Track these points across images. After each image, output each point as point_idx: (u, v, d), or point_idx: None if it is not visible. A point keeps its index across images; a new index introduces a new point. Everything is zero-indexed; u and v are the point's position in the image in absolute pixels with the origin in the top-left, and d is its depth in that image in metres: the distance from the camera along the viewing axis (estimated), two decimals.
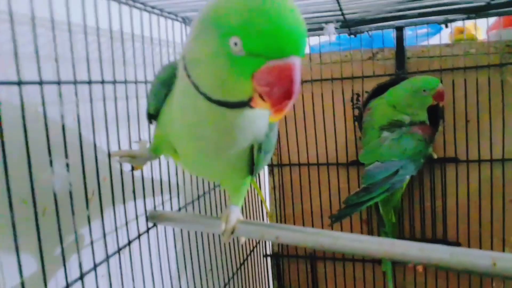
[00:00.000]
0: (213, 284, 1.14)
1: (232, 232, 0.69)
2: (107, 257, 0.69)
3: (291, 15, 0.41)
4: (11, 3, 0.52)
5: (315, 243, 0.62)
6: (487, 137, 1.17)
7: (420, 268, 1.15)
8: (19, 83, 0.53)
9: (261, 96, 0.44)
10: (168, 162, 0.90)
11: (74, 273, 0.63)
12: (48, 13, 0.58)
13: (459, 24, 1.28)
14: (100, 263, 0.68)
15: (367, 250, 0.57)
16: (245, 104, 0.47)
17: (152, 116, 0.70)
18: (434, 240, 1.26)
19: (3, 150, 0.51)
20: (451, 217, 1.24)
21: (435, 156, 1.22)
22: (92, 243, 0.65)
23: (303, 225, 1.38)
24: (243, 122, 0.54)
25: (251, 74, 0.43)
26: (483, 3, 0.97)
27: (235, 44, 0.42)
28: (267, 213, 1.38)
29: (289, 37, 0.41)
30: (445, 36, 1.43)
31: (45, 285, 0.57)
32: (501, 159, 1.17)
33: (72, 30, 0.62)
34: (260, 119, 0.58)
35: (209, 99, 0.49)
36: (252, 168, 0.67)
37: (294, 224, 1.40)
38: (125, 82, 0.74)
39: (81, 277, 0.63)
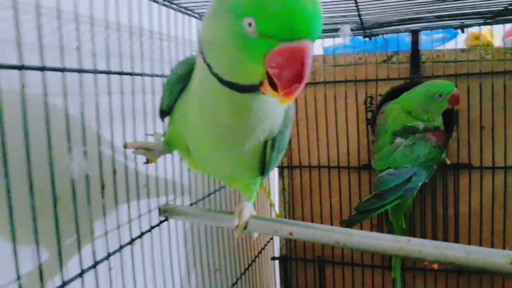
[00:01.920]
0: (221, 284, 1.13)
1: (245, 228, 0.69)
2: (121, 247, 0.69)
3: None
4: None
5: (329, 240, 0.62)
6: (502, 144, 1.16)
7: (436, 266, 1.14)
8: (43, 68, 0.54)
9: (271, 82, 0.44)
10: (181, 159, 0.90)
11: (87, 262, 0.63)
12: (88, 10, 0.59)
13: (475, 30, 1.28)
14: (114, 252, 0.68)
15: (382, 247, 0.57)
16: (255, 88, 0.46)
17: (164, 114, 0.70)
18: None
19: (26, 136, 0.51)
20: (463, 224, 1.23)
21: (449, 162, 1.21)
22: (106, 232, 0.66)
23: None
24: (258, 111, 0.54)
25: (263, 56, 0.43)
26: (500, 8, 0.97)
27: (249, 24, 0.42)
28: (276, 215, 1.37)
29: (302, 20, 0.41)
30: (460, 42, 1.43)
31: (61, 270, 0.57)
32: None
33: (99, 24, 0.63)
34: (275, 112, 0.58)
35: (221, 80, 0.49)
36: (263, 168, 0.67)
37: None
38: (142, 74, 0.75)
39: (95, 265, 0.63)
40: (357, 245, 0.59)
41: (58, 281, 0.58)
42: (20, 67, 0.51)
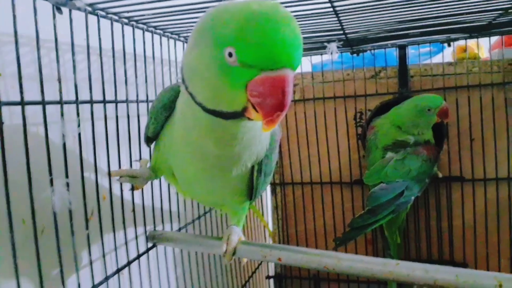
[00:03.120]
0: None
1: (234, 253, 0.68)
2: (106, 278, 0.68)
3: (286, 28, 0.41)
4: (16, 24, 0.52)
5: (318, 265, 0.61)
6: (492, 156, 1.15)
7: None
8: (22, 103, 0.53)
9: (254, 107, 0.44)
10: (168, 183, 0.89)
11: None
12: (52, 34, 0.58)
13: (461, 43, 1.29)
14: (100, 283, 0.66)
15: (371, 271, 0.56)
16: (239, 114, 0.46)
17: (150, 139, 0.70)
18: (440, 261, 1.24)
19: (5, 169, 0.51)
20: (457, 237, 1.22)
21: (440, 175, 1.21)
22: (91, 262, 0.64)
23: (307, 245, 1.36)
24: (243, 137, 0.54)
25: (245, 84, 0.43)
26: (485, 23, 0.98)
27: (230, 54, 0.42)
28: (269, 234, 1.36)
29: (283, 50, 0.41)
30: (447, 55, 1.43)
31: None
32: (507, 178, 1.15)
33: (80, 51, 0.63)
34: (261, 137, 0.57)
35: (205, 109, 0.49)
36: (251, 193, 0.67)
37: (297, 244, 1.38)
38: (127, 101, 0.74)
39: None
40: (346, 269, 0.58)
41: None
42: None
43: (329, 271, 0.60)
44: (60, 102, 0.59)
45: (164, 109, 0.63)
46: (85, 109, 0.65)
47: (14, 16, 0.52)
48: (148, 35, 0.81)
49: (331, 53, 1.07)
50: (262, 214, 1.45)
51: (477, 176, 1.19)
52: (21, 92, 0.53)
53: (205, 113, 0.49)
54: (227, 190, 0.66)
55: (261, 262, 1.49)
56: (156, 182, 0.85)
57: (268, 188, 1.42)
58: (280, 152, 1.35)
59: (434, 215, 1.24)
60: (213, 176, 0.61)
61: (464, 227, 1.20)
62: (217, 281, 1.15)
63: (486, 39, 1.17)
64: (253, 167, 0.62)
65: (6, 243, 0.52)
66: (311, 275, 1.38)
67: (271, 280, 1.48)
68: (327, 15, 0.77)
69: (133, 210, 0.76)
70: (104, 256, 0.68)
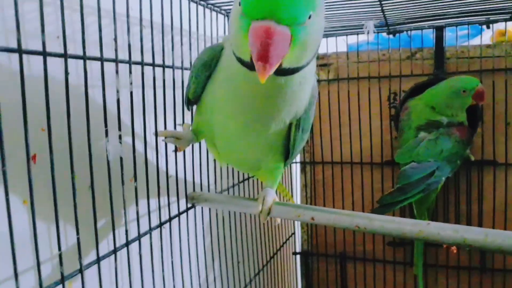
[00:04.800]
0: (243, 275, 1.16)
1: (269, 213, 0.72)
2: (150, 229, 0.73)
3: None
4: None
5: (350, 224, 0.64)
6: None
7: (454, 249, 1.14)
8: (84, 58, 0.58)
9: None
10: (207, 150, 0.93)
11: (121, 240, 0.67)
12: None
13: (501, 26, 1.27)
14: (144, 234, 0.72)
15: (402, 230, 0.59)
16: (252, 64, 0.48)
17: (191, 103, 0.73)
18: None
19: (68, 120, 0.56)
20: (487, 221, 1.22)
21: (473, 158, 1.20)
22: (137, 213, 0.70)
23: None
24: (284, 93, 0.56)
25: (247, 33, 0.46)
26: None
27: (239, 4, 0.47)
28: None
29: (264, 1, 0.44)
30: (486, 39, 1.41)
31: (97, 248, 0.62)
32: None
33: (134, 22, 0.68)
34: (301, 94, 0.60)
35: (239, 60, 0.53)
36: (287, 151, 0.70)
37: None
38: (173, 67, 0.79)
39: (127, 244, 0.67)
40: (378, 228, 0.61)
41: (93, 256, 0.63)
42: (65, 55, 0.55)
43: (361, 230, 0.63)
44: (116, 60, 0.64)
45: (205, 67, 0.65)
46: (135, 76, 0.70)
47: None
48: (193, 6, 0.85)
49: (368, 32, 1.08)
50: (292, 195, 1.48)
51: (511, 160, 1.18)
52: (84, 48, 0.58)
53: (240, 64, 0.53)
54: (265, 147, 0.68)
55: (289, 238, 1.53)
56: (197, 149, 0.90)
57: (298, 167, 1.45)
58: (312, 130, 1.38)
59: (464, 198, 1.25)
60: (253, 132, 0.64)
61: (494, 212, 1.20)
62: (248, 251, 1.20)
63: None
64: (291, 124, 0.65)
65: (65, 191, 0.57)
66: (337, 253, 1.40)
67: (298, 257, 1.52)
68: None
69: (176, 172, 0.81)
70: (149, 211, 0.73)
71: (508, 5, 1.01)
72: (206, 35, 0.93)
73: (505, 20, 1.13)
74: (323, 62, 1.34)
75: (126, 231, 0.67)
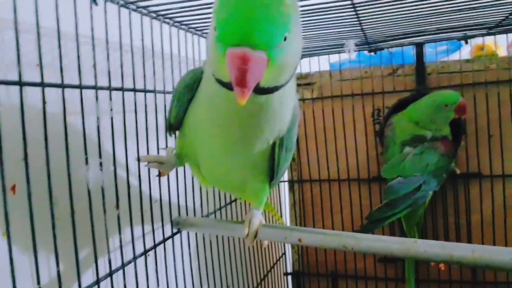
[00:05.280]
0: None
1: (255, 236, 0.71)
2: (134, 258, 0.71)
3: (252, 5, 0.43)
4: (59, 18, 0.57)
5: (338, 244, 0.63)
6: (511, 152, 1.16)
7: (442, 267, 1.13)
8: (62, 86, 0.58)
9: None
10: (192, 175, 0.92)
11: (103, 271, 0.65)
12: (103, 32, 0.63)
13: (479, 41, 1.30)
14: (128, 263, 0.70)
15: (390, 249, 0.58)
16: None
17: (172, 128, 0.73)
18: None
19: (46, 147, 0.55)
20: (476, 234, 1.22)
21: (458, 171, 1.21)
22: (121, 241, 0.68)
23: None
24: (265, 112, 0.56)
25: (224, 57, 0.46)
26: (501, 18, 0.99)
27: (215, 29, 0.46)
28: None
29: (239, 27, 0.44)
30: (465, 54, 1.45)
31: (78, 279, 0.60)
32: None
33: (114, 48, 0.68)
34: (283, 112, 0.59)
35: (218, 81, 0.52)
36: (273, 171, 0.69)
37: None
38: (155, 91, 0.78)
39: (110, 274, 0.65)
40: (365, 248, 0.60)
41: None
42: (41, 84, 0.55)
43: (348, 250, 0.62)
44: (95, 87, 0.63)
45: (187, 90, 0.65)
46: (116, 101, 0.69)
47: (57, 9, 0.57)
48: (174, 30, 0.85)
49: (349, 51, 1.10)
50: (281, 215, 1.47)
51: (496, 172, 1.19)
52: (62, 76, 0.57)
53: (220, 85, 0.53)
54: (250, 168, 0.68)
55: (279, 258, 1.51)
56: (181, 175, 0.89)
57: (286, 185, 1.45)
58: (298, 149, 1.38)
59: (452, 211, 1.25)
60: (237, 153, 0.63)
61: (482, 224, 1.21)
62: (237, 274, 1.18)
63: (504, 38, 1.18)
64: (274, 143, 0.64)
65: (45, 221, 0.56)
66: (329, 272, 1.39)
67: (289, 277, 1.50)
68: (345, 8, 0.80)
69: (160, 198, 0.80)
70: (133, 238, 0.72)
71: (485, 21, 1.03)
72: (188, 58, 0.94)
73: (483, 35, 1.16)
74: (307, 81, 1.35)
75: (109, 260, 0.65)
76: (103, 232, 0.65)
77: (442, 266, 1.15)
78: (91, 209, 0.62)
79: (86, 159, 0.61)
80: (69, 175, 0.58)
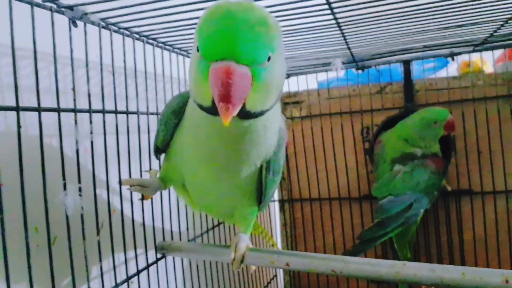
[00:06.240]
0: None
1: (242, 261, 0.68)
2: (116, 285, 0.69)
3: (237, 22, 0.43)
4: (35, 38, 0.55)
5: (326, 269, 0.61)
6: (501, 168, 1.15)
7: None
8: (39, 109, 0.56)
9: None
10: (177, 198, 0.90)
11: None
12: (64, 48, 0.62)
13: (465, 58, 1.31)
14: None
15: (379, 273, 0.56)
16: (214, 109, 0.46)
17: (159, 151, 0.72)
18: None
19: (21, 173, 0.53)
20: (468, 251, 1.21)
21: (449, 189, 1.20)
22: (101, 269, 0.65)
23: None
24: (250, 136, 0.55)
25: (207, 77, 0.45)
26: (486, 35, 1.00)
27: (197, 49, 0.46)
28: None
29: (221, 41, 0.43)
30: (452, 71, 1.45)
31: None
32: None
33: (93, 67, 0.66)
34: (267, 136, 0.58)
35: (200, 107, 0.51)
36: (261, 195, 0.68)
37: None
38: (138, 112, 0.77)
39: None
40: (354, 272, 0.58)
41: None
42: (17, 108, 0.53)
43: (337, 275, 0.60)
44: (74, 110, 0.61)
45: (174, 115, 0.65)
46: (97, 123, 0.68)
47: (34, 30, 0.55)
48: (158, 51, 0.84)
49: (336, 69, 1.10)
50: (271, 235, 1.45)
51: (486, 188, 1.18)
52: (38, 98, 0.55)
53: (203, 111, 0.51)
54: (236, 192, 0.67)
55: (271, 280, 1.48)
56: (165, 196, 0.86)
57: (277, 205, 1.43)
58: (288, 168, 1.37)
59: (444, 229, 1.23)
60: (224, 178, 0.62)
61: (475, 241, 1.19)
62: None
63: (490, 54, 1.19)
64: (261, 167, 0.63)
65: (20, 251, 0.53)
66: None
67: None
68: (330, 27, 0.80)
69: (143, 222, 0.77)
70: (114, 265, 0.69)
71: (470, 38, 1.03)
72: (174, 78, 0.93)
73: (469, 52, 1.16)
74: (295, 100, 1.34)
75: None
76: (83, 260, 0.62)
77: None
78: (69, 236, 0.60)
79: (64, 184, 0.59)
80: (45, 201, 0.56)
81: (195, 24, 0.47)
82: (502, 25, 0.89)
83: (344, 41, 0.94)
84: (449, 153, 1.22)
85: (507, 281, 0.47)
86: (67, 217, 0.59)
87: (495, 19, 0.85)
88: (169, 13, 0.67)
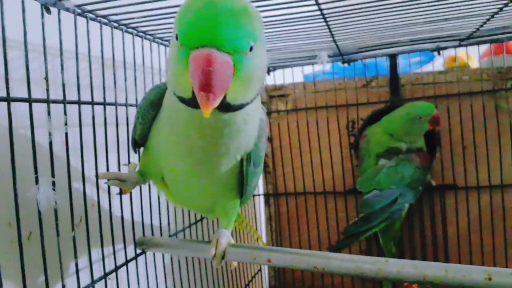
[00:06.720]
0: None
1: (223, 257, 0.67)
2: (93, 282, 0.66)
3: (215, 8, 0.42)
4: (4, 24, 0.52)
5: (308, 265, 0.60)
6: (485, 163, 1.15)
7: (415, 286, 1.11)
8: (8, 99, 0.53)
9: None
10: (157, 191, 0.88)
11: None
12: (38, 35, 0.59)
13: (451, 53, 1.30)
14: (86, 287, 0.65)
15: (361, 270, 0.55)
16: (195, 100, 0.44)
17: (137, 144, 0.70)
18: None
19: None
20: (452, 245, 1.21)
21: (434, 183, 1.20)
22: (77, 265, 0.63)
23: None
24: (224, 127, 0.53)
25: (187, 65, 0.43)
26: (472, 30, 0.99)
27: (176, 37, 0.44)
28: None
29: (203, 28, 0.42)
30: (438, 66, 1.45)
31: None
32: (500, 185, 1.15)
33: (69, 56, 0.64)
34: (247, 128, 0.57)
35: (180, 99, 0.49)
36: (242, 188, 0.66)
37: None
38: (116, 104, 0.74)
39: None
40: (336, 269, 0.57)
41: None
42: None
43: (319, 271, 0.59)
44: (47, 101, 0.59)
45: (151, 107, 0.63)
46: (73, 114, 0.65)
47: (2, 16, 0.52)
48: (138, 40, 0.82)
49: (322, 62, 1.08)
50: (256, 229, 1.44)
51: (470, 183, 1.18)
52: (7, 88, 0.52)
53: (182, 103, 0.50)
54: (217, 186, 0.65)
55: (255, 275, 1.47)
56: (145, 190, 0.84)
57: (262, 199, 1.41)
58: (273, 162, 1.35)
59: (428, 224, 1.23)
60: (203, 172, 0.61)
61: (458, 236, 1.19)
62: None
63: (475, 49, 1.19)
64: (242, 159, 0.61)
65: None
66: (306, 287, 1.35)
67: None
68: (315, 19, 0.78)
69: (122, 217, 0.75)
70: (91, 261, 0.67)
71: (456, 32, 1.03)
72: (155, 68, 0.90)
73: (455, 47, 1.16)
74: (281, 93, 1.33)
75: (63, 286, 0.60)
76: (56, 257, 0.60)
77: (415, 286, 1.13)
78: (42, 231, 0.57)
79: (36, 178, 0.56)
80: (15, 195, 0.53)
81: (175, 12, 0.45)
82: (488, 20, 0.88)
83: (329, 34, 0.92)
84: (434, 148, 1.22)
85: (490, 279, 0.46)
86: (39, 212, 0.57)
87: (481, 14, 0.85)
88: (149, 0, 0.65)
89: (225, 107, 0.47)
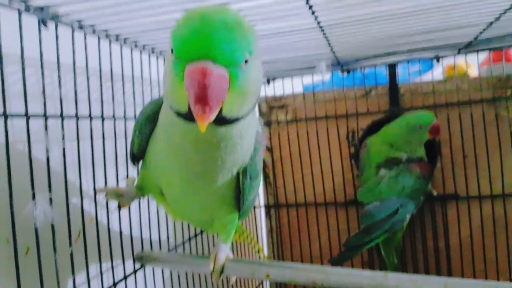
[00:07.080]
0: None
1: (222, 272, 0.66)
2: None
3: (213, 23, 0.42)
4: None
5: (307, 280, 0.59)
6: (486, 172, 1.15)
7: None
8: (5, 115, 0.53)
9: None
10: (156, 205, 0.88)
11: None
12: (35, 50, 0.59)
13: (450, 61, 1.30)
14: None
15: (360, 285, 0.54)
16: (190, 115, 0.43)
17: (136, 158, 0.70)
18: None
19: None
20: (455, 256, 1.20)
21: (435, 193, 1.19)
22: (74, 281, 0.62)
23: None
24: (225, 142, 0.53)
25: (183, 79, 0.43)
26: (470, 39, 0.99)
27: (172, 50, 0.44)
28: (263, 258, 1.33)
29: (198, 41, 0.42)
30: (437, 74, 1.45)
31: None
32: (502, 195, 1.14)
33: (66, 70, 0.64)
34: (244, 141, 0.56)
35: (176, 113, 0.49)
36: (239, 202, 0.66)
37: None
38: (114, 117, 0.74)
39: None
40: (334, 283, 0.57)
41: None
42: None
43: (318, 286, 0.58)
44: (45, 116, 0.59)
45: (148, 121, 0.63)
46: (71, 129, 0.65)
47: None
48: (136, 54, 0.82)
49: (321, 72, 1.08)
50: (257, 241, 1.43)
51: (472, 193, 1.17)
52: (4, 104, 0.52)
53: (178, 117, 0.49)
54: (214, 200, 0.65)
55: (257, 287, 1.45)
56: (144, 204, 0.84)
57: (262, 211, 1.41)
58: (274, 173, 1.35)
59: (430, 234, 1.22)
60: (200, 186, 0.60)
61: (461, 246, 1.18)
62: None
63: (475, 57, 1.19)
64: (238, 173, 0.61)
65: None
66: None
67: None
68: (312, 30, 0.78)
69: (120, 232, 0.75)
70: (88, 276, 0.66)
71: (455, 42, 1.03)
72: (153, 82, 0.90)
73: (453, 55, 1.16)
74: (280, 104, 1.33)
75: None
76: (53, 273, 0.59)
77: None
78: (39, 248, 0.57)
79: (33, 194, 0.56)
80: (12, 212, 0.53)
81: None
82: (485, 29, 0.88)
83: (327, 44, 0.92)
84: (434, 158, 1.22)
85: None
86: (36, 228, 0.56)
87: (479, 23, 0.85)
88: (148, 14, 0.65)
89: (221, 120, 0.47)
